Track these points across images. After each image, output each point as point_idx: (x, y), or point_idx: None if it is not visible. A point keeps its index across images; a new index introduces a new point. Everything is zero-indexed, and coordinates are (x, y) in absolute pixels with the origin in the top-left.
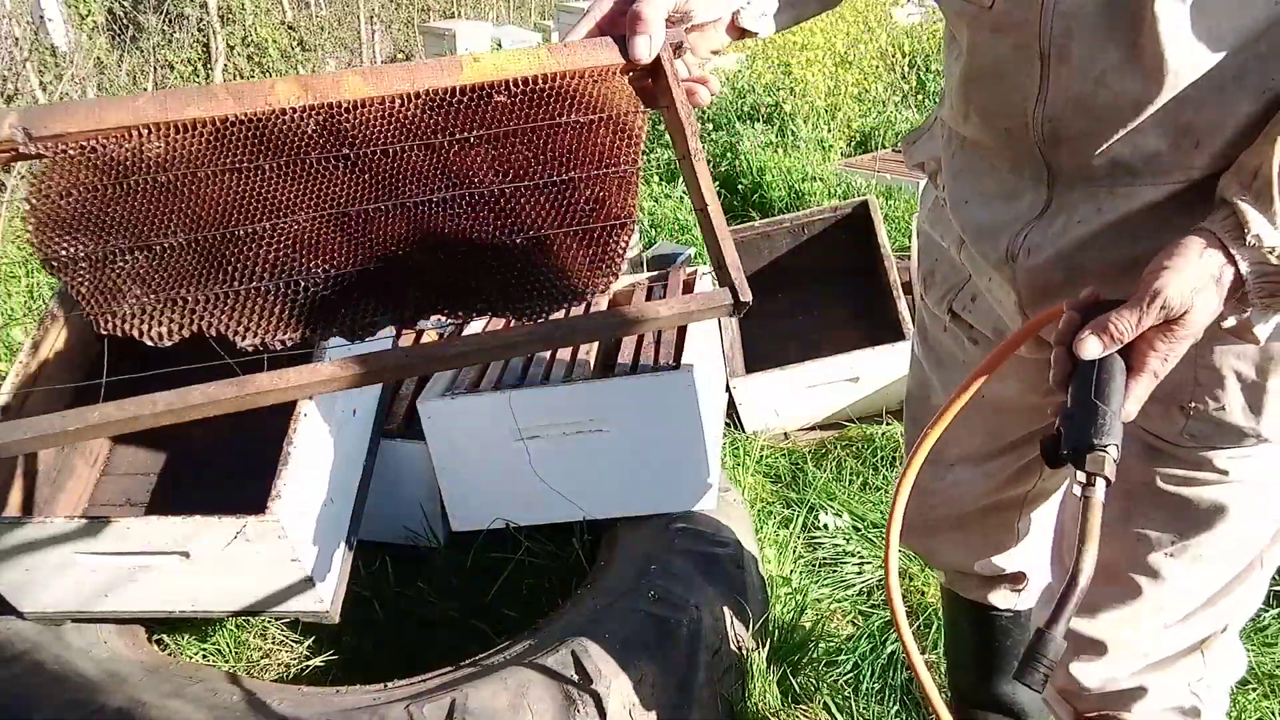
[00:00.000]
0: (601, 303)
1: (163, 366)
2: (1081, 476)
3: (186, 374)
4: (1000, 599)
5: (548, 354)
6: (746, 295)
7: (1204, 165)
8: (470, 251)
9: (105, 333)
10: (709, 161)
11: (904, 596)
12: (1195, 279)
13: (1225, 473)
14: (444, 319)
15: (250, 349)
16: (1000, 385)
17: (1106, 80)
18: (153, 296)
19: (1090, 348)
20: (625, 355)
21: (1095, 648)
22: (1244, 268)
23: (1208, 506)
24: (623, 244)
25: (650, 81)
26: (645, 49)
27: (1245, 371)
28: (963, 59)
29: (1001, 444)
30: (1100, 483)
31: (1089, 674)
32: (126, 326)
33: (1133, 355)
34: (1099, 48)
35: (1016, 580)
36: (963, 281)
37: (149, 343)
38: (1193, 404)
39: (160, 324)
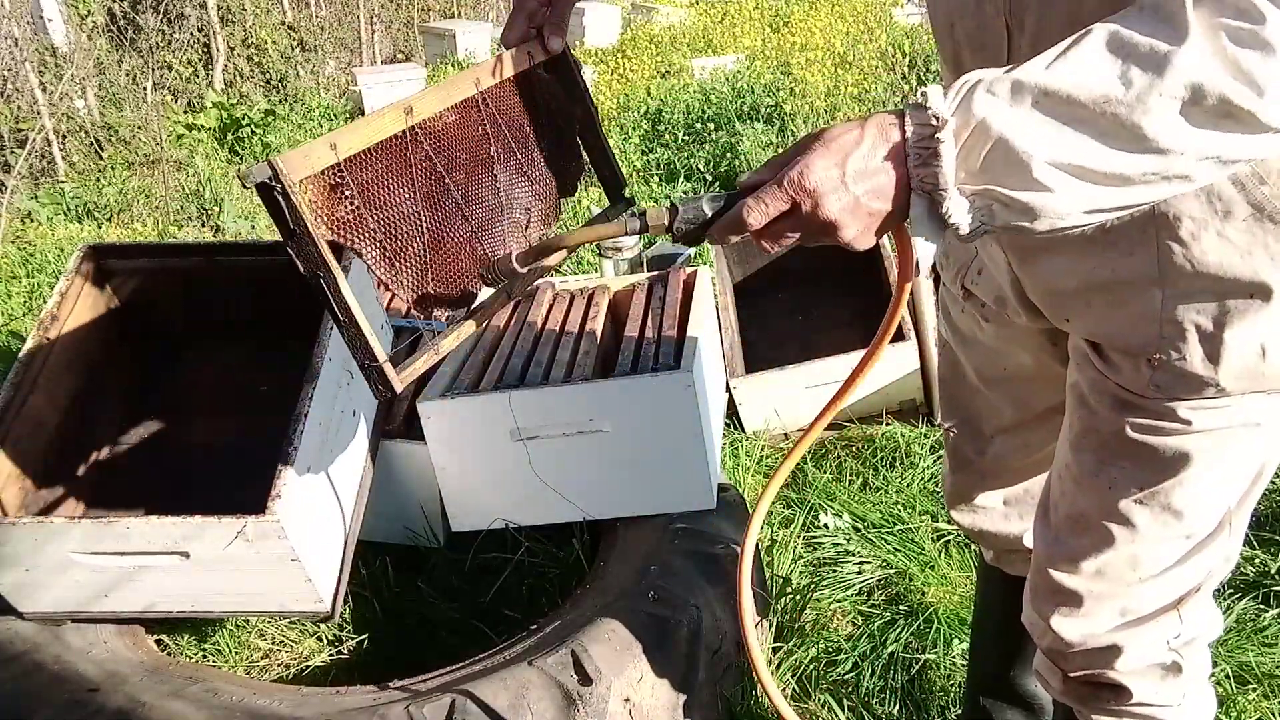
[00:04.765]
0: (603, 304)
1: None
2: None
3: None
4: None
5: (548, 354)
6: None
7: None
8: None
9: None
10: (707, 162)
11: (903, 596)
12: (842, 136)
13: (1188, 423)
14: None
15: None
16: (1016, 357)
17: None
18: None
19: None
20: (625, 355)
21: (1073, 599)
22: (909, 128)
23: (1172, 454)
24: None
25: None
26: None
27: (1204, 324)
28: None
29: (1032, 413)
30: (638, 219)
31: (1068, 628)
32: None
33: None
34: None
35: None
36: (971, 257)
37: None
38: (1158, 356)
39: None
